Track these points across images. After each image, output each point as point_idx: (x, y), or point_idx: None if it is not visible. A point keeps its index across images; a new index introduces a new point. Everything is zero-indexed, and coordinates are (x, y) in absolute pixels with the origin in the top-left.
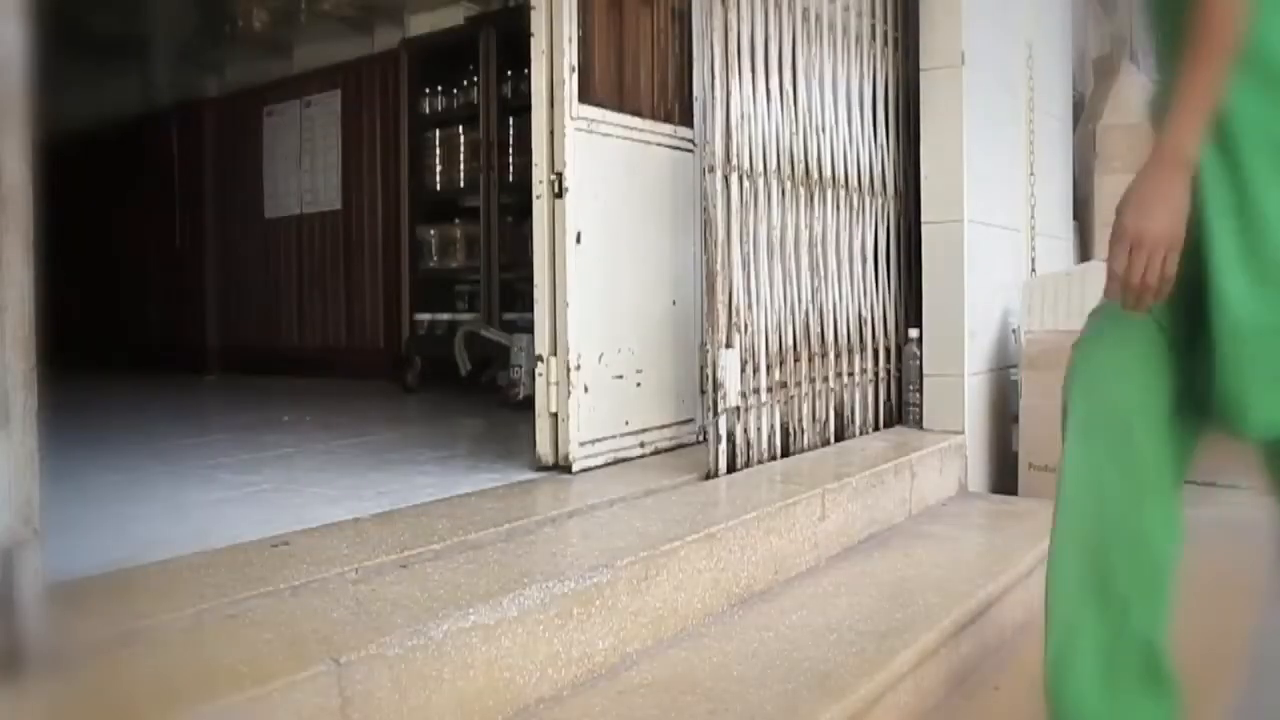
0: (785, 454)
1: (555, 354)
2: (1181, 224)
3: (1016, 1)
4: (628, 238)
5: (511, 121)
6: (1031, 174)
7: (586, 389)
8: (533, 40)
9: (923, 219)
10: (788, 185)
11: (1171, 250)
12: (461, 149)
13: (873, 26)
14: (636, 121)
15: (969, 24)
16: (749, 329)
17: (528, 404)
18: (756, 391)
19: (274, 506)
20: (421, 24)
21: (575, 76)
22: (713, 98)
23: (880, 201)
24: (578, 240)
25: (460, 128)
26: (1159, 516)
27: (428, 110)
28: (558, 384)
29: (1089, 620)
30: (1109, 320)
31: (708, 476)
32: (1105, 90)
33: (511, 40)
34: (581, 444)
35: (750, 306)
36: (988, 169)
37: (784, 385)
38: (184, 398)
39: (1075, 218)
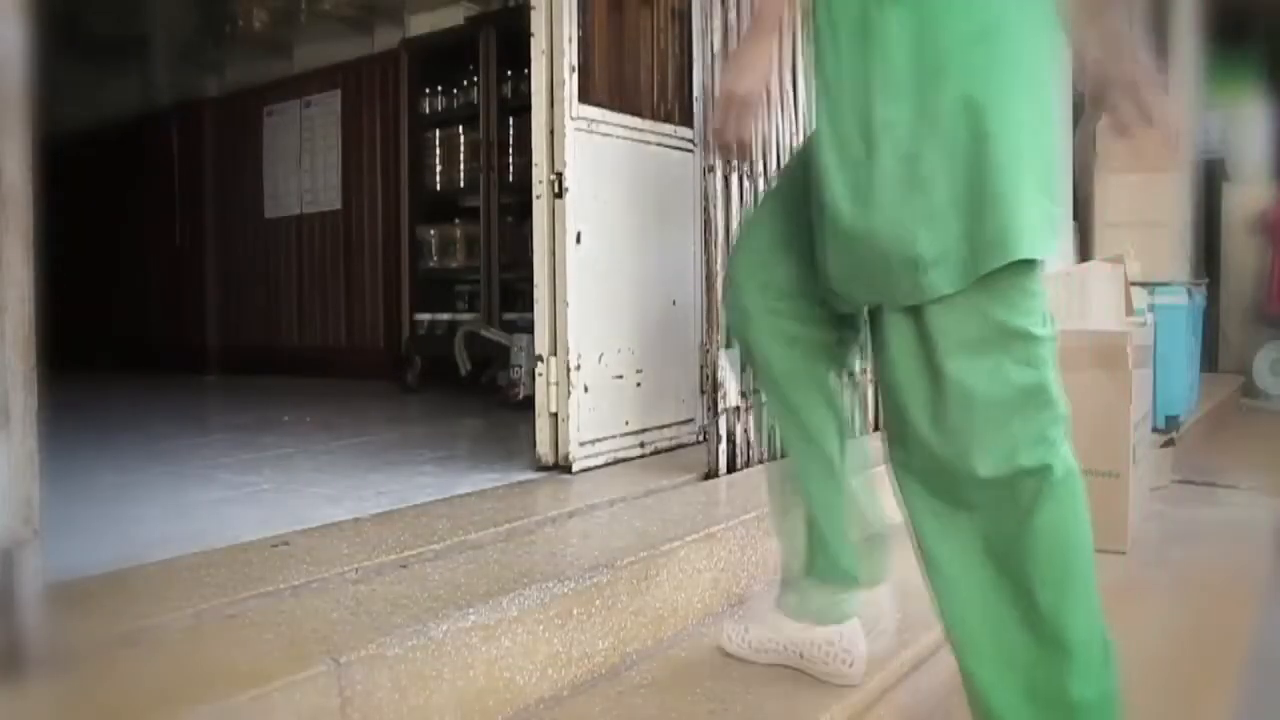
0: (785, 454)
1: (555, 354)
2: (761, 86)
3: None
4: (628, 238)
5: (511, 121)
6: None
7: (586, 389)
8: (533, 40)
9: None
10: None
11: (746, 107)
12: (461, 149)
13: None
14: (636, 121)
15: None
16: None
17: (528, 404)
18: (757, 391)
19: (274, 506)
20: (421, 24)
21: (575, 76)
22: (713, 98)
23: None
24: (578, 240)
25: (460, 128)
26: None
27: (428, 110)
28: (557, 384)
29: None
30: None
31: (708, 476)
32: None
33: (511, 40)
34: (581, 444)
35: None
36: None
37: None
38: (184, 398)
39: (1075, 218)
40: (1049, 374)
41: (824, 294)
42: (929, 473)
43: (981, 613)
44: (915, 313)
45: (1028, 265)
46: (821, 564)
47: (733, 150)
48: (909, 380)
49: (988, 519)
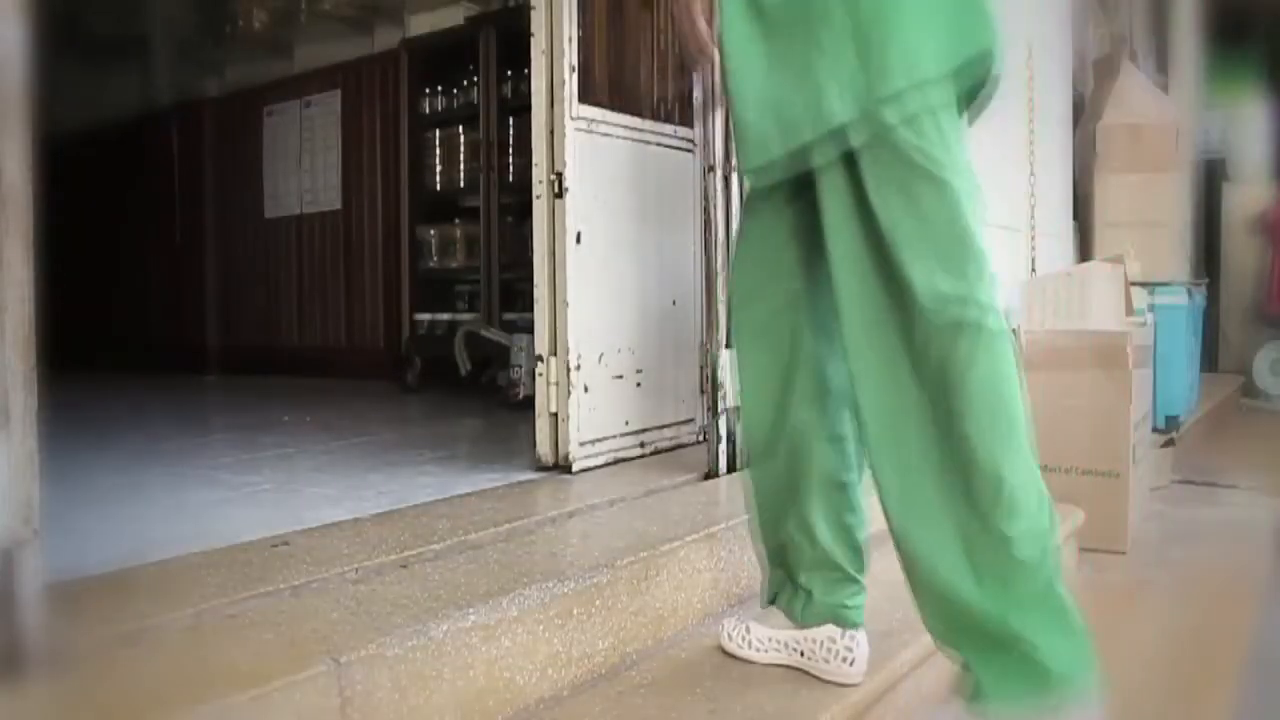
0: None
1: (555, 354)
2: None
3: (1016, 1)
4: (628, 238)
5: (511, 121)
6: (1031, 174)
7: (586, 389)
8: (533, 40)
9: None
10: None
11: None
12: (461, 149)
13: None
14: (636, 121)
15: None
16: None
17: (528, 404)
18: None
19: (274, 506)
20: (421, 24)
21: (575, 76)
22: (713, 98)
23: None
24: (578, 240)
25: (460, 128)
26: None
27: (428, 110)
28: (558, 384)
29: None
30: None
31: (708, 476)
32: (1105, 90)
33: (511, 40)
34: (581, 444)
35: None
36: (988, 169)
37: None
38: (184, 398)
39: (1075, 218)
40: (970, 221)
41: (749, 179)
42: (869, 325)
43: (920, 477)
44: (836, 164)
45: (934, 90)
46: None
47: (694, 45)
48: (844, 231)
49: (928, 376)
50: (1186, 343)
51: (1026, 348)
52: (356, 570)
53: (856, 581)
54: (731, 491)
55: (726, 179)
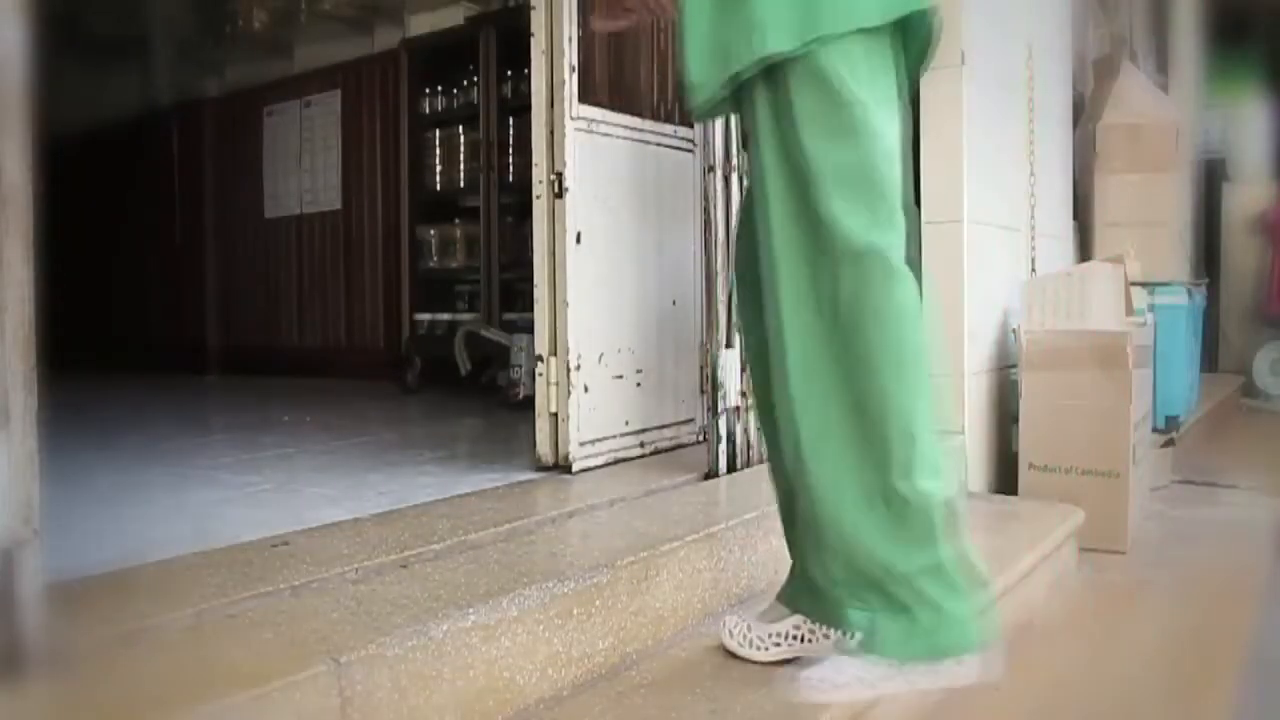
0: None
1: (555, 354)
2: None
3: (1016, 1)
4: (628, 238)
5: (511, 121)
6: (1031, 174)
7: (586, 389)
8: (533, 40)
9: (923, 219)
10: None
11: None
12: (461, 149)
13: None
14: (636, 121)
15: (969, 24)
16: None
17: (528, 404)
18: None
19: (274, 506)
20: (421, 24)
21: (575, 76)
22: None
23: None
24: (578, 240)
25: (460, 128)
26: None
27: (428, 110)
28: (558, 384)
29: None
30: None
31: (708, 476)
32: (1105, 90)
33: (511, 40)
34: (581, 444)
35: None
36: (988, 169)
37: None
38: (184, 398)
39: (1075, 218)
40: (886, 166)
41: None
42: (786, 258)
43: (831, 421)
44: (766, 87)
45: (870, 38)
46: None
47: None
48: (769, 163)
49: (841, 313)
50: (1186, 343)
51: (1026, 348)
52: (356, 570)
53: None
54: (732, 492)
55: (726, 179)
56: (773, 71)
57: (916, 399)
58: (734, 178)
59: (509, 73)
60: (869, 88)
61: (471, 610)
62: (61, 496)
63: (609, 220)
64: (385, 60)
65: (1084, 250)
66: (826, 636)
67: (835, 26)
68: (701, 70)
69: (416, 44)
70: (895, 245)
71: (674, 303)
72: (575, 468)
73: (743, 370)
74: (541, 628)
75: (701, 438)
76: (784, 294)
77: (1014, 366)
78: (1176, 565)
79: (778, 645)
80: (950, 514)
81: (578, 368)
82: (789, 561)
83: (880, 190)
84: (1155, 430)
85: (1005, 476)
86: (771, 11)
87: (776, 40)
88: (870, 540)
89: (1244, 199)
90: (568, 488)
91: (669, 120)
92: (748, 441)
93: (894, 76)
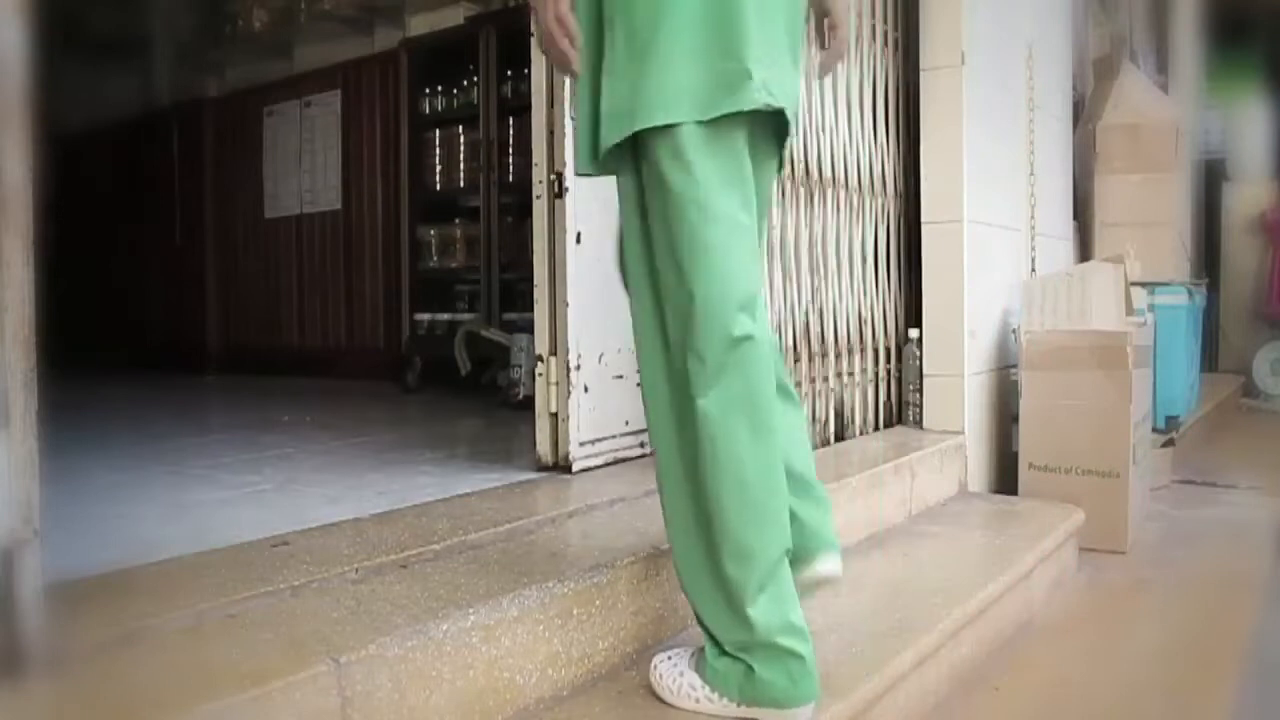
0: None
1: (555, 354)
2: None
3: (1016, 1)
4: None
5: (511, 121)
6: (1031, 174)
7: (586, 389)
8: (533, 40)
9: (923, 219)
10: (788, 185)
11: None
12: (461, 149)
13: (873, 26)
14: None
15: (969, 24)
16: None
17: (528, 404)
18: None
19: (274, 506)
20: (421, 24)
21: None
22: None
23: (880, 201)
24: (577, 240)
25: (460, 128)
26: None
27: (428, 110)
28: (558, 384)
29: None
30: None
31: None
32: (1105, 90)
33: (511, 40)
34: (581, 444)
35: None
36: (988, 169)
37: None
38: (184, 398)
39: (1075, 218)
40: (726, 256)
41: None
42: (646, 346)
43: (679, 511)
44: (625, 171)
45: (698, 125)
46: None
47: (557, 48)
48: (630, 231)
49: (677, 403)
50: (1186, 343)
51: (1026, 348)
52: (356, 570)
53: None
54: None
55: None
56: (633, 148)
57: (759, 524)
58: None
59: (509, 73)
60: (700, 177)
61: (471, 610)
62: (61, 496)
63: (609, 220)
64: (385, 60)
65: (1084, 250)
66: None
67: (657, 118)
68: (583, 139)
69: (416, 44)
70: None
71: None
72: (575, 468)
73: None
74: (541, 628)
75: None
76: (646, 384)
77: (1014, 366)
78: (1176, 565)
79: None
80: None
81: (578, 368)
82: None
83: (725, 281)
84: (1155, 430)
85: (1005, 476)
86: (615, 102)
87: (613, 131)
88: (712, 611)
89: (1244, 199)
90: (568, 488)
91: None
92: None
93: (744, 163)
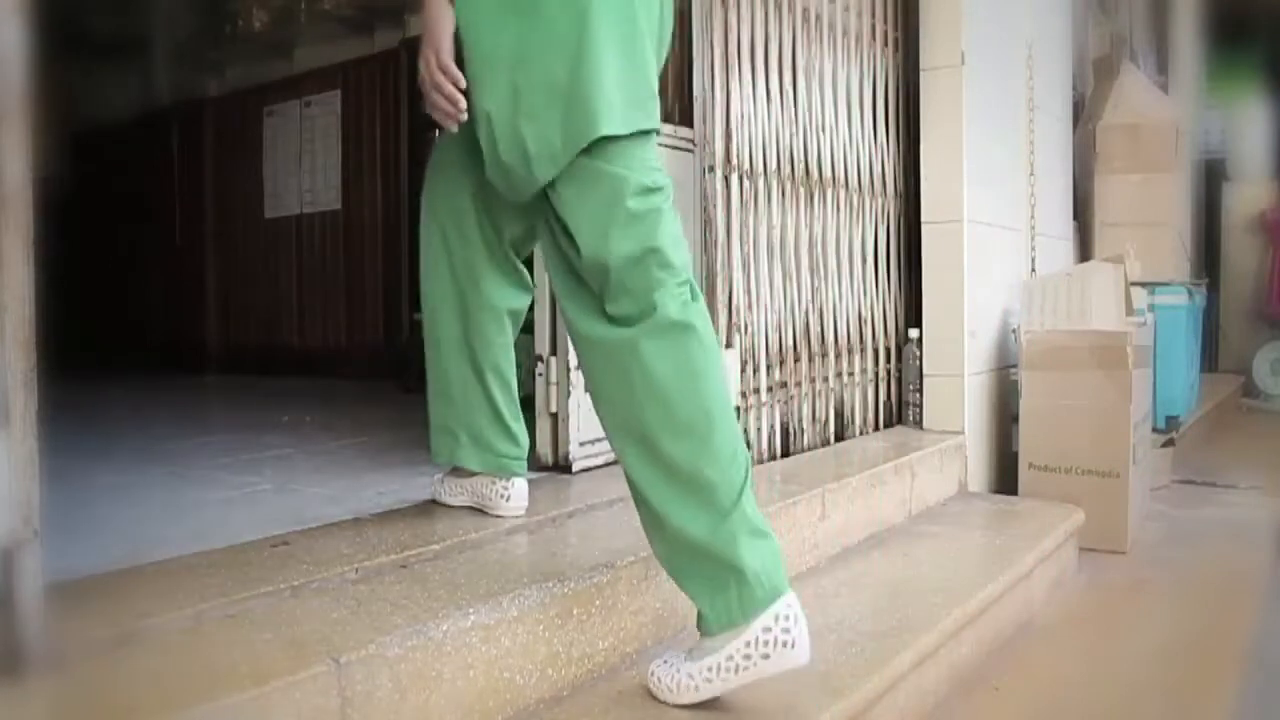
0: (785, 454)
1: (555, 354)
2: (439, 36)
3: (1016, 1)
4: None
5: None
6: (1031, 174)
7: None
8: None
9: (923, 219)
10: (788, 185)
11: (436, 55)
12: None
13: (873, 26)
14: None
15: (969, 24)
16: (749, 329)
17: (527, 404)
18: (756, 391)
19: (274, 506)
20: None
21: None
22: (712, 98)
23: (880, 201)
24: None
25: None
26: (493, 281)
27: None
28: (558, 384)
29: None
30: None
31: None
32: (1105, 90)
33: None
34: (581, 444)
35: (750, 306)
36: (988, 169)
37: (784, 385)
38: (183, 398)
39: (1075, 218)
40: (660, 240)
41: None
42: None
43: (641, 460)
44: (547, 200)
45: (611, 141)
46: None
47: (440, 102)
48: (553, 255)
49: (624, 379)
50: (1186, 343)
51: (1026, 348)
52: (356, 570)
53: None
54: None
55: (726, 179)
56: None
57: (707, 449)
58: (734, 178)
59: None
60: (615, 184)
61: (471, 610)
62: (61, 496)
63: None
64: (385, 60)
65: (1084, 250)
66: (505, 498)
67: (581, 142)
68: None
69: (416, 44)
70: (679, 303)
71: None
72: (575, 468)
73: (742, 370)
74: (541, 628)
75: None
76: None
77: (1014, 366)
78: (1176, 565)
79: (461, 494)
80: (748, 491)
81: (578, 368)
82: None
83: (665, 266)
84: (1155, 430)
85: (1005, 476)
86: (536, 141)
87: (545, 169)
88: (698, 534)
89: (1244, 199)
90: (568, 488)
91: (669, 120)
92: (747, 442)
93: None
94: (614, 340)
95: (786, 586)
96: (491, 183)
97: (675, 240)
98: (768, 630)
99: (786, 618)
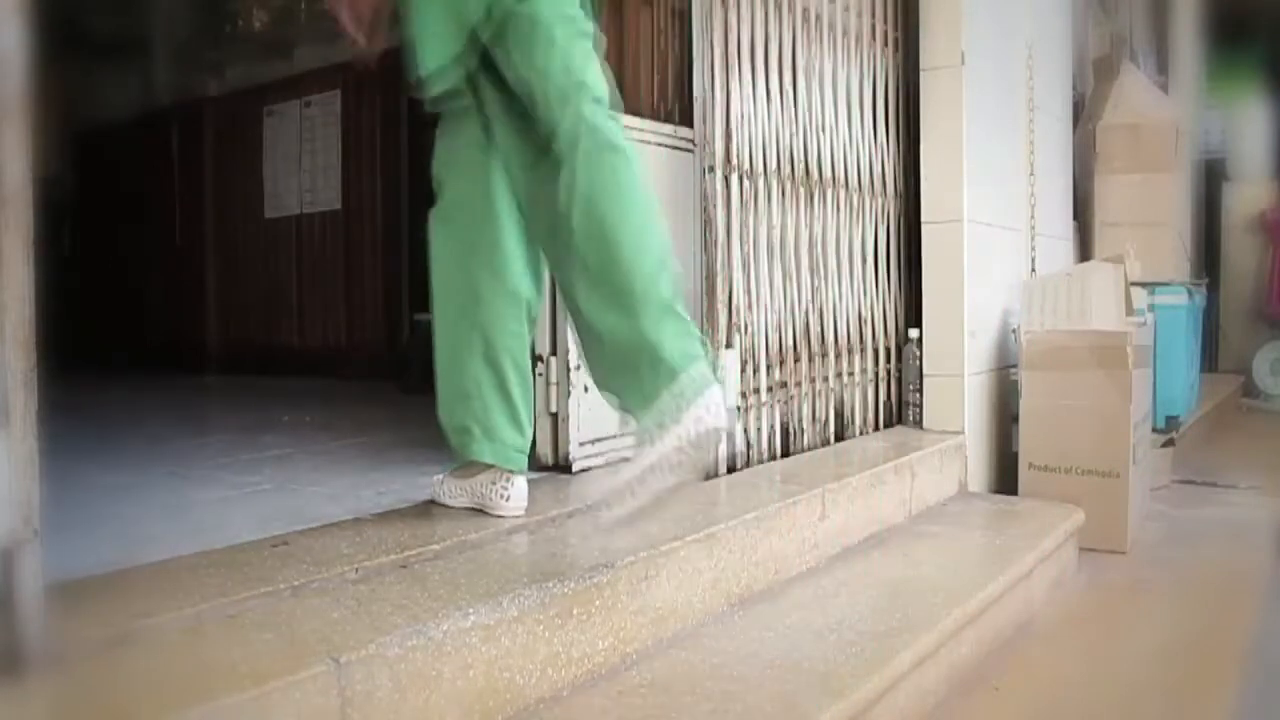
0: (785, 454)
1: (555, 354)
2: None
3: (1016, 1)
4: None
5: None
6: (1031, 174)
7: (586, 389)
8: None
9: (923, 219)
10: (788, 185)
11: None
12: None
13: (873, 26)
14: (636, 121)
15: (969, 24)
16: (749, 329)
17: None
18: (756, 391)
19: (274, 506)
20: None
21: None
22: (713, 98)
23: (880, 201)
24: None
25: None
26: (515, 266)
27: (428, 110)
28: (558, 384)
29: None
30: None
31: (707, 476)
32: (1105, 90)
33: None
34: (581, 444)
35: (750, 306)
36: (988, 169)
37: (784, 385)
38: (183, 398)
39: (1075, 218)
40: (581, 66)
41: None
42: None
43: (589, 288)
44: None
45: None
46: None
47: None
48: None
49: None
50: (1186, 343)
51: (1026, 348)
52: (356, 570)
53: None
54: (731, 492)
55: (726, 179)
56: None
57: (643, 257)
58: (734, 178)
59: None
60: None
61: (471, 610)
62: (61, 496)
63: None
64: (385, 60)
65: (1084, 250)
66: (505, 498)
67: None
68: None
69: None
70: (600, 125)
71: None
72: (575, 468)
73: (742, 370)
74: (541, 628)
75: None
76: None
77: (1014, 366)
78: (1176, 565)
79: (462, 495)
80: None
81: (578, 368)
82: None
83: (585, 88)
84: (1155, 430)
85: (1005, 476)
86: None
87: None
88: (622, 331)
89: (1244, 199)
90: (567, 488)
91: (669, 120)
92: (748, 442)
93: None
94: (556, 163)
95: (699, 364)
96: (504, 145)
97: (598, 74)
98: (678, 396)
99: (694, 387)
